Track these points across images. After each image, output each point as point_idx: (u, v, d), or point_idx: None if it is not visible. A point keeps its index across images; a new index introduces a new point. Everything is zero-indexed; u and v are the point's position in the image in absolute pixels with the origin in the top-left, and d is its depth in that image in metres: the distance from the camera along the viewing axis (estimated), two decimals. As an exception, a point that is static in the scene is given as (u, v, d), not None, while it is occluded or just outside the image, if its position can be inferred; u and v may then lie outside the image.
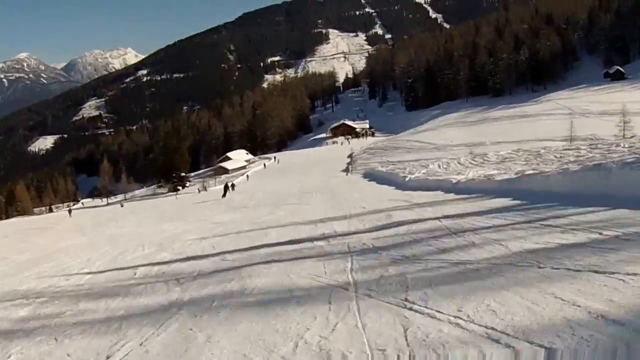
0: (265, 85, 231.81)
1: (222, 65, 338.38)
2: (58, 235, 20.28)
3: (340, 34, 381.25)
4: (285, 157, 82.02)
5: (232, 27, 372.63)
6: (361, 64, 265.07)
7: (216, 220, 14.79)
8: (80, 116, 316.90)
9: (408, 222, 7.29)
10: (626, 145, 16.13)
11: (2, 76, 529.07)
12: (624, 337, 2.29)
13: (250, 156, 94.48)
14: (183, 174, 70.05)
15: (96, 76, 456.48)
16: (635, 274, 3.08)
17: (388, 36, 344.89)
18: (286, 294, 4.07)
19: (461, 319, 2.83)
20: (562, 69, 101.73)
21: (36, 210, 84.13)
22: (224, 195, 32.04)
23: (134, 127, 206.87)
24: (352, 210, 10.79)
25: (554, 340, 2.37)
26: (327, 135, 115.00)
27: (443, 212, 7.81)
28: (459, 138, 65.01)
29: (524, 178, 9.96)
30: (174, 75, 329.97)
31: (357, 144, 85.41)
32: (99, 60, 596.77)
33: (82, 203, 78.22)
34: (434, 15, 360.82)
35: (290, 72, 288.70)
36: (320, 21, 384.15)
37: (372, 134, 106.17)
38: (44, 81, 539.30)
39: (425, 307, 3.13)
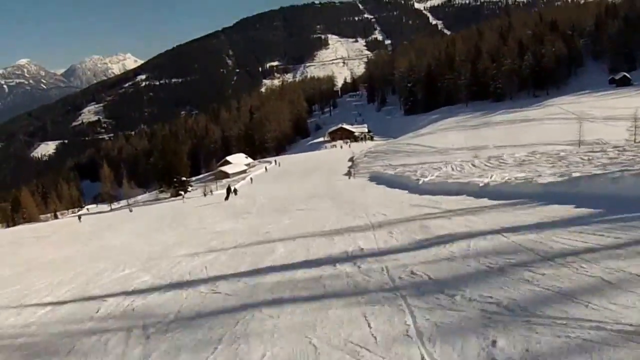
0: (263, 89, 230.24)
1: (221, 70, 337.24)
2: (50, 246, 19.16)
3: (340, 39, 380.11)
4: (286, 160, 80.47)
5: (230, 32, 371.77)
6: (360, 69, 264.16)
7: (216, 229, 13.10)
8: (80, 121, 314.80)
9: (458, 238, 5.61)
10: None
11: (2, 82, 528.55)
12: None
13: (250, 160, 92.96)
14: (184, 179, 68.42)
15: (95, 81, 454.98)
16: None
17: (388, 42, 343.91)
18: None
19: None
20: (566, 75, 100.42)
21: (42, 217, 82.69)
22: (227, 198, 31.45)
23: (133, 132, 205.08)
24: (373, 219, 9.12)
25: None
26: (326, 139, 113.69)
27: (498, 223, 6.13)
28: (460, 142, 63.86)
29: (582, 181, 8.31)
30: (173, 80, 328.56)
31: (356, 148, 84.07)
32: (99, 65, 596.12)
33: (87, 209, 76.74)
34: (434, 22, 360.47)
35: (289, 77, 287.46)
36: (318, 26, 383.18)
37: (371, 138, 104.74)
38: (44, 87, 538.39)
39: None
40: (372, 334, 2.96)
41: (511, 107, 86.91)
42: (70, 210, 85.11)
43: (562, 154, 21.77)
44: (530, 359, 2.26)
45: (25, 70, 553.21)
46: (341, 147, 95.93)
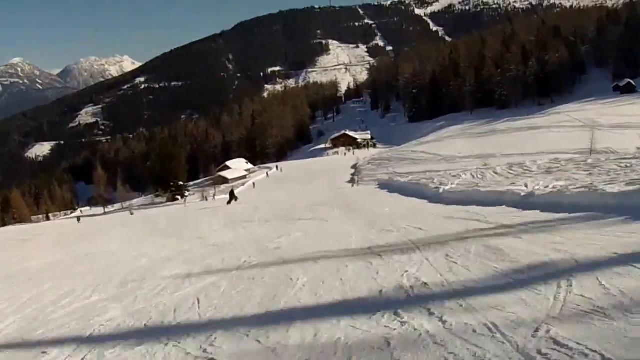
0: (265, 94, 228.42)
1: (222, 74, 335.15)
2: (33, 251, 17.67)
3: (341, 45, 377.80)
4: (287, 166, 78.71)
5: (229, 36, 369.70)
6: (363, 76, 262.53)
7: (213, 241, 11.29)
8: (77, 123, 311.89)
9: (564, 269, 3.85)
10: None
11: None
12: None
13: (250, 165, 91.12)
14: (181, 183, 66.61)
15: (92, 83, 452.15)
16: None
17: (389, 48, 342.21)
18: None
19: None
20: (570, 82, 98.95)
21: (34, 218, 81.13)
22: (230, 202, 30.56)
23: (131, 135, 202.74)
24: (409, 234, 7.35)
25: None
26: (328, 145, 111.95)
27: (606, 248, 4.37)
28: (466, 150, 62.37)
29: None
30: (172, 83, 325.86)
31: (359, 155, 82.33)
32: (95, 67, 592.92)
33: (81, 211, 75.11)
34: (434, 28, 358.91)
35: (291, 83, 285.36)
36: (319, 32, 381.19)
37: (374, 145, 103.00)
38: (40, 87, 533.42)
39: None
40: None
41: (516, 115, 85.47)
42: (62, 212, 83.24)
43: (589, 160, 20.03)
44: None
45: (19, 69, 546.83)
46: (345, 154, 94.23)
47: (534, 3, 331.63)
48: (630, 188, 8.11)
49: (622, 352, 2.29)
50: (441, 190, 16.62)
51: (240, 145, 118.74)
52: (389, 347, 2.77)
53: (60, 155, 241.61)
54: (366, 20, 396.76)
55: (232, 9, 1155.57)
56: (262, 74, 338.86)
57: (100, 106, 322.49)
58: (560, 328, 2.64)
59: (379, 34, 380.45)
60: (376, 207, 15.24)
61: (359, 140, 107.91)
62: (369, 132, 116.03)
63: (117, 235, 19.34)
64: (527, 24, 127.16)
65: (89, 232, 23.77)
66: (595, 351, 2.31)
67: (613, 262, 3.90)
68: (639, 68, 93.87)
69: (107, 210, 67.56)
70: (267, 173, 72.80)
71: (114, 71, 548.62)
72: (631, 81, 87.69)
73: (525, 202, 9.79)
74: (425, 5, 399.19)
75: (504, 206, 9.97)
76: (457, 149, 64.84)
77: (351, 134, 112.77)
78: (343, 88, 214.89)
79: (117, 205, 72.98)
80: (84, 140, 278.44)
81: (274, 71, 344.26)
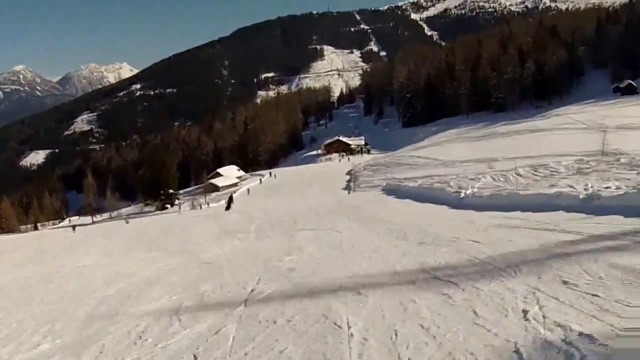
0: (258, 100, 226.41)
1: (216, 80, 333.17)
2: (5, 265, 16.31)
3: (335, 50, 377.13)
4: (281, 173, 76.84)
5: (227, 42, 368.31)
6: (355, 81, 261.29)
7: (204, 258, 9.42)
8: (72, 130, 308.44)
9: None
10: None
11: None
12: None
13: (242, 172, 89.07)
14: (171, 191, 64.63)
15: (90, 90, 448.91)
16: None
17: (383, 53, 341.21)
18: None
19: None
20: (568, 84, 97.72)
21: (22, 227, 78.95)
22: (228, 208, 30.13)
23: (124, 143, 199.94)
24: (471, 252, 5.55)
25: None
26: (321, 152, 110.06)
27: None
28: (466, 154, 60.83)
29: None
30: (167, 90, 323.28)
31: (354, 161, 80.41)
32: (94, 74, 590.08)
33: (69, 220, 73.10)
34: (429, 33, 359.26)
35: (284, 89, 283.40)
36: (315, 37, 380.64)
37: (368, 151, 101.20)
38: (39, 94, 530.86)
39: None
40: None
41: (513, 119, 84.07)
42: (50, 222, 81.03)
43: (622, 160, 18.41)
44: None
45: (22, 76, 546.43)
46: (339, 160, 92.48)
47: (529, 7, 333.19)
48: None
49: None
50: (462, 195, 14.88)
51: (232, 152, 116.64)
52: None
53: (55, 164, 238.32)
54: (362, 26, 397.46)
55: (234, 16, 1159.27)
56: (255, 80, 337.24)
57: (95, 113, 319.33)
58: None
59: (373, 39, 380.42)
60: (391, 215, 13.46)
61: (352, 146, 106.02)
62: (362, 137, 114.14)
63: (100, 246, 17.68)
64: (524, 26, 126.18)
65: (72, 243, 22.17)
66: None
67: None
68: (639, 69, 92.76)
69: (94, 219, 65.57)
70: (260, 180, 70.86)
71: (112, 78, 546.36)
72: (632, 82, 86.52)
73: (589, 206, 8.08)
74: (422, 9, 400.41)
75: (561, 211, 8.27)
76: (456, 153, 63.27)
77: (345, 139, 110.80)
78: (336, 93, 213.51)
79: (105, 215, 71.04)
80: (78, 148, 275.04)
81: (267, 77, 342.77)
